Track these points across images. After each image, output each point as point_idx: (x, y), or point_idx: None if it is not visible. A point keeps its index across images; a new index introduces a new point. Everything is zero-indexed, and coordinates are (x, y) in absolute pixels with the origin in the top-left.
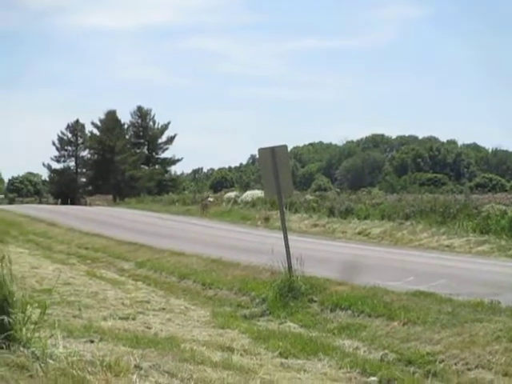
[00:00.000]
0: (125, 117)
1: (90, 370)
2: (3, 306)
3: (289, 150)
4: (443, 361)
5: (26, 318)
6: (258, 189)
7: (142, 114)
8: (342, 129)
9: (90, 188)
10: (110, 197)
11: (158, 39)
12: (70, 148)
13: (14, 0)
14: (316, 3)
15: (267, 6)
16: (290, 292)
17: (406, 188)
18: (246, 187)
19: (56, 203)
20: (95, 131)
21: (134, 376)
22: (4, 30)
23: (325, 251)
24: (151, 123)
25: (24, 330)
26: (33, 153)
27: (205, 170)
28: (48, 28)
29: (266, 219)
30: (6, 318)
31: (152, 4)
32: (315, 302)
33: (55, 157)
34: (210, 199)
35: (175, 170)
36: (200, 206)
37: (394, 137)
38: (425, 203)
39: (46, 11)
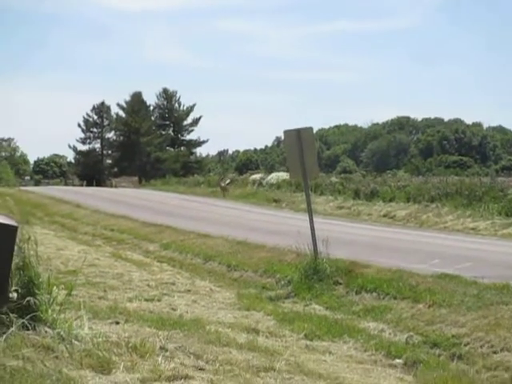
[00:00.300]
0: (150, 98)
1: (115, 351)
2: (29, 288)
3: (314, 132)
4: (468, 343)
5: (51, 300)
6: (284, 171)
7: (167, 95)
8: (368, 111)
9: (116, 170)
10: (136, 178)
11: (186, 21)
12: (95, 130)
13: None
14: None
15: None
16: (316, 274)
17: (431, 170)
18: (271, 169)
19: (81, 185)
20: (121, 113)
21: (160, 357)
22: (31, 10)
23: (350, 233)
24: (177, 105)
25: (50, 311)
26: (58, 134)
27: (230, 152)
28: (76, 9)
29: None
30: (31, 299)
31: None
32: (340, 284)
33: (81, 138)
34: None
35: (200, 151)
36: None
37: (419, 119)
38: (450, 186)
39: None
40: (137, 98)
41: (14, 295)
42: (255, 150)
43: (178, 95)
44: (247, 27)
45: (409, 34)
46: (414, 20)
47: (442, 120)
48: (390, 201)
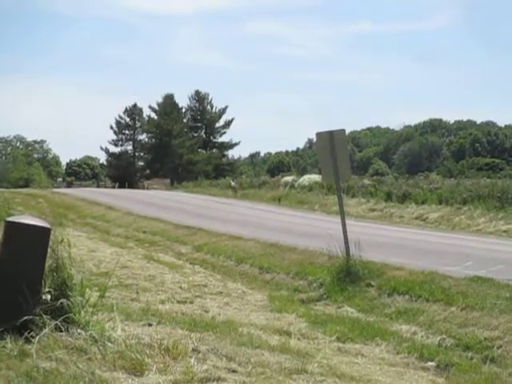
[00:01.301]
0: (182, 101)
1: (148, 352)
2: (62, 289)
3: (346, 134)
4: (501, 346)
5: (84, 302)
6: (315, 173)
7: (199, 97)
8: (400, 113)
9: (148, 172)
10: (168, 180)
11: (216, 23)
12: (127, 132)
13: None
14: None
15: None
16: (348, 276)
17: (463, 173)
18: (303, 171)
19: (114, 187)
20: (153, 115)
21: (192, 359)
22: (61, 13)
23: (382, 236)
24: (209, 107)
25: (83, 312)
26: (91, 137)
27: (262, 155)
28: (106, 11)
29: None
30: (65, 301)
31: None
32: (373, 286)
33: (113, 140)
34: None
35: (232, 154)
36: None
37: (451, 121)
38: (482, 188)
39: None
40: (169, 100)
41: (48, 297)
42: (287, 152)
43: (210, 97)
44: (277, 29)
45: (439, 35)
46: (444, 20)
47: (475, 122)
48: (422, 203)
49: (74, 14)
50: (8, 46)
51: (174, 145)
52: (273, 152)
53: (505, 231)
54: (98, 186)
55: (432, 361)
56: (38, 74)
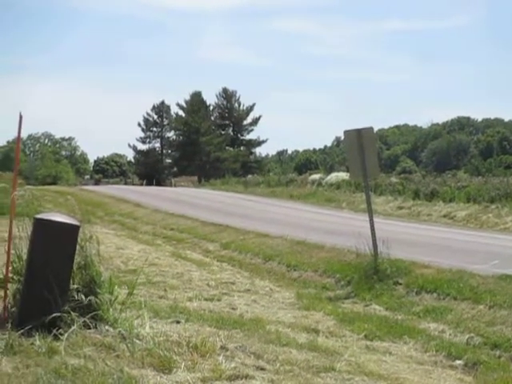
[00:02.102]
0: (210, 98)
1: (176, 350)
2: (91, 287)
3: (374, 132)
4: None
5: (113, 299)
6: (343, 171)
7: (227, 95)
8: (428, 111)
9: (175, 169)
10: (195, 178)
11: (243, 20)
12: (155, 129)
13: None
14: None
15: None
16: (376, 274)
17: (491, 171)
18: (330, 169)
19: (141, 184)
20: (180, 112)
21: (220, 357)
22: (89, 10)
23: (410, 234)
24: (236, 105)
25: (111, 310)
26: (119, 134)
27: (289, 152)
28: (133, 8)
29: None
30: (93, 298)
31: None
32: (400, 284)
33: (141, 138)
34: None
35: (260, 151)
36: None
37: (479, 119)
38: (510, 186)
39: None
40: (196, 97)
41: (76, 294)
42: (314, 150)
43: (237, 95)
44: (305, 26)
45: (466, 33)
46: (471, 18)
47: (502, 120)
48: (450, 201)
49: (102, 9)
50: (33, 43)
51: (202, 142)
52: (300, 150)
53: None
54: (126, 184)
55: (460, 359)
56: (65, 71)
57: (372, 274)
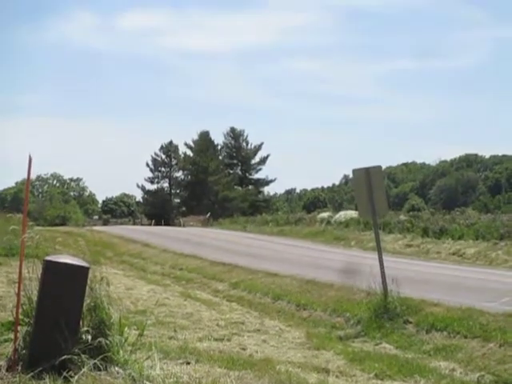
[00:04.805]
0: (218, 138)
1: None
2: (100, 328)
3: (382, 170)
4: None
5: (123, 340)
6: (352, 209)
7: (235, 134)
8: (436, 149)
9: (184, 209)
10: (204, 217)
11: (251, 61)
12: (163, 169)
13: (108, 21)
14: (407, 25)
15: (359, 27)
16: (386, 313)
17: (500, 208)
18: (339, 207)
19: (150, 224)
20: (189, 152)
21: None
22: (95, 51)
23: (419, 272)
24: (244, 144)
25: (121, 351)
26: (127, 174)
27: (298, 191)
28: (142, 49)
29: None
30: (103, 340)
31: (244, 27)
32: (410, 323)
33: (149, 178)
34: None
35: (268, 190)
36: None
37: (487, 156)
38: None
39: (139, 33)
40: (204, 137)
41: (86, 336)
42: (323, 188)
43: (245, 134)
44: (311, 66)
45: (473, 71)
46: (479, 57)
47: (510, 157)
48: (459, 238)
49: (110, 50)
50: (38, 85)
51: (210, 182)
52: (308, 188)
53: None
54: (134, 224)
55: None
56: (75, 112)
57: (382, 313)
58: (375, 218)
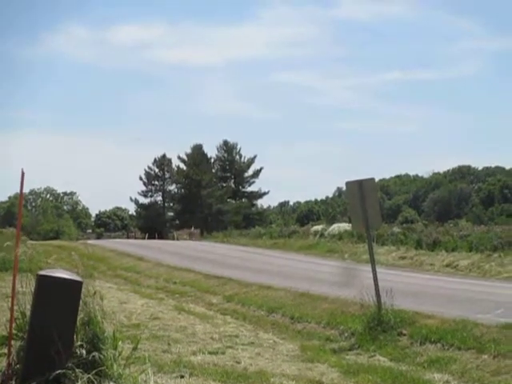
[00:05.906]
0: (211, 151)
1: None
2: (94, 343)
3: (375, 182)
4: None
5: (117, 354)
6: (345, 221)
7: (228, 148)
8: (428, 161)
9: (177, 222)
10: (197, 231)
11: (243, 73)
12: (157, 182)
13: (99, 35)
14: (398, 36)
15: (351, 39)
16: (380, 325)
17: (493, 219)
18: (332, 220)
19: (143, 238)
20: (182, 166)
21: None
22: (88, 65)
23: (413, 284)
24: (237, 157)
25: (115, 365)
26: (120, 188)
27: (291, 203)
28: (134, 62)
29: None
30: (97, 354)
31: (237, 40)
32: (404, 335)
33: (142, 191)
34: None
35: (262, 203)
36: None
37: (480, 168)
38: None
39: (133, 46)
40: (197, 150)
41: (80, 350)
42: (316, 200)
43: (238, 147)
44: (303, 79)
45: (465, 83)
46: (470, 69)
47: (503, 168)
48: (453, 250)
49: (100, 63)
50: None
51: (204, 195)
52: (302, 201)
53: None
54: (128, 237)
55: None
56: (66, 127)
57: (376, 325)
58: (368, 231)
